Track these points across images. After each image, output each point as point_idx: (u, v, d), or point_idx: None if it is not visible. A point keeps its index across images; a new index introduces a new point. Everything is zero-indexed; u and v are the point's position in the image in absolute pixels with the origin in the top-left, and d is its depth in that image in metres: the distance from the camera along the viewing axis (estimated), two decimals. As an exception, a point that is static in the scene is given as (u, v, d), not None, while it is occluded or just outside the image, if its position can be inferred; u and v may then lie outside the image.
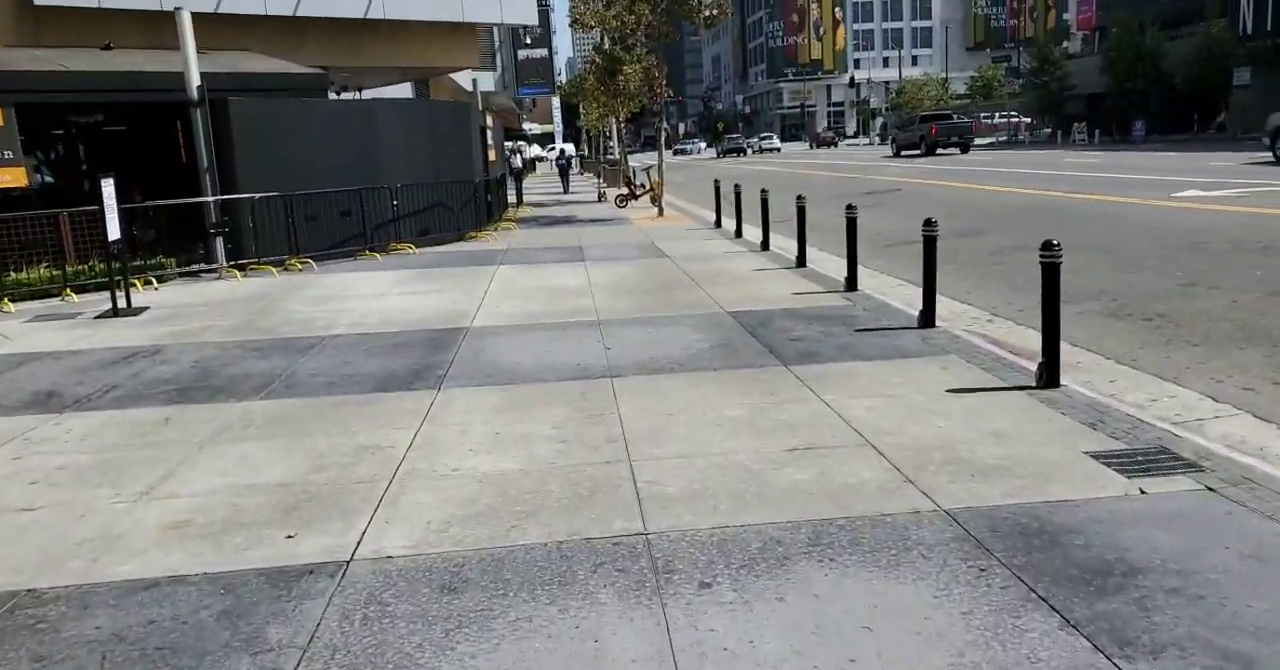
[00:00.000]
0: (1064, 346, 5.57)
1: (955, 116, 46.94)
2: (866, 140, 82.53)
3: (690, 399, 5.54)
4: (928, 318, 7.14)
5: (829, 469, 4.27)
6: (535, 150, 59.50)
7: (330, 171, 13.57)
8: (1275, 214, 12.63)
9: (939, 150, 41.71)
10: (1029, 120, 57.86)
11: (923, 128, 43.00)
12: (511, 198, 25.72)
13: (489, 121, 19.25)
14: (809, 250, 10.95)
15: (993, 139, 57.39)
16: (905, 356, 6.32)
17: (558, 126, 73.35)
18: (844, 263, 9.24)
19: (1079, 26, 60.53)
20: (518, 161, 30.51)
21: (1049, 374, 5.39)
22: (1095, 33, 56.70)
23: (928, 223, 7.04)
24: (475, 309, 9.03)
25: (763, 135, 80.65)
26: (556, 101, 64.08)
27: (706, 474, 4.28)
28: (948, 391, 5.43)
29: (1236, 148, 31.91)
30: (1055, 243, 5.30)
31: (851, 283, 8.93)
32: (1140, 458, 4.23)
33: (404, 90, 28.73)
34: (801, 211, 10.78)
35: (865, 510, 3.79)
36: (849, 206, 8.97)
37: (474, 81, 25.43)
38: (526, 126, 57.38)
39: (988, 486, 3.98)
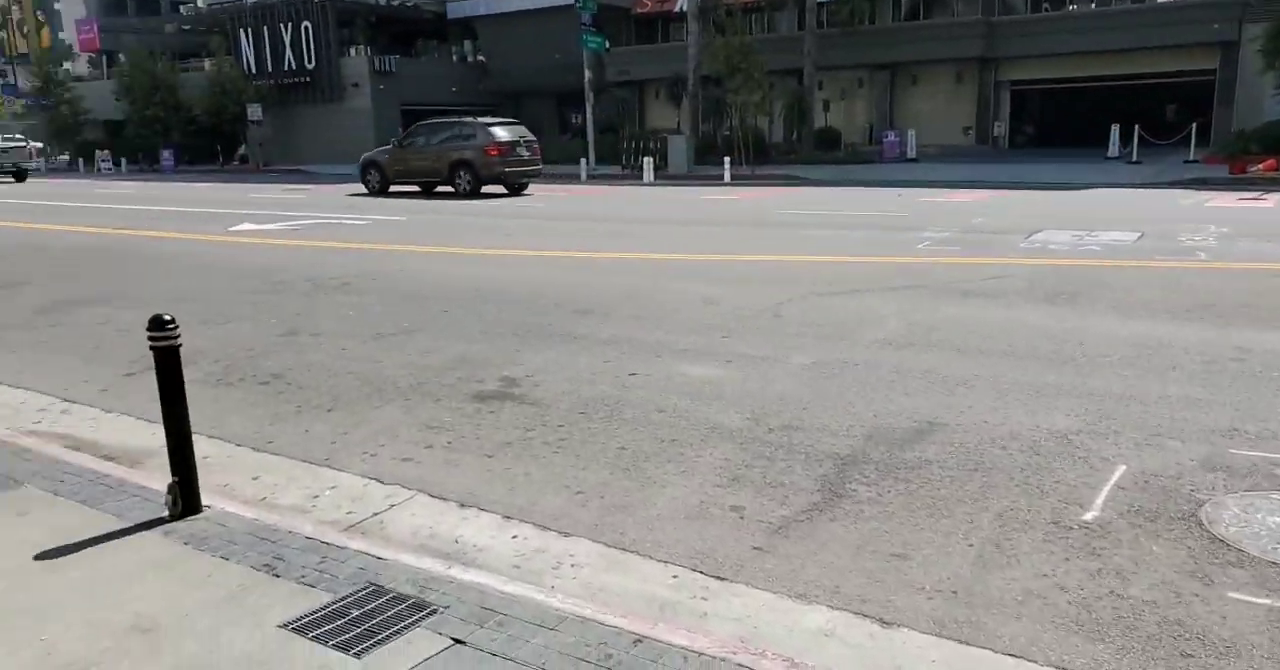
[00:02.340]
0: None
1: None
2: None
3: None
4: (-28, 432, 4.83)
5: None
6: None
7: None
8: (357, 248, 12.87)
9: None
10: (39, 145, 51.95)
11: None
12: None
13: None
14: None
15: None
16: (-52, 508, 4.02)
17: None
18: None
19: (82, 48, 56.54)
20: None
21: (185, 498, 3.90)
22: (102, 57, 53.80)
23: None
24: None
25: None
26: None
27: None
28: (38, 560, 3.50)
29: (263, 179, 33.73)
30: (169, 319, 3.79)
31: None
32: (356, 613, 3.12)
33: None
34: None
35: None
36: None
37: None
38: None
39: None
